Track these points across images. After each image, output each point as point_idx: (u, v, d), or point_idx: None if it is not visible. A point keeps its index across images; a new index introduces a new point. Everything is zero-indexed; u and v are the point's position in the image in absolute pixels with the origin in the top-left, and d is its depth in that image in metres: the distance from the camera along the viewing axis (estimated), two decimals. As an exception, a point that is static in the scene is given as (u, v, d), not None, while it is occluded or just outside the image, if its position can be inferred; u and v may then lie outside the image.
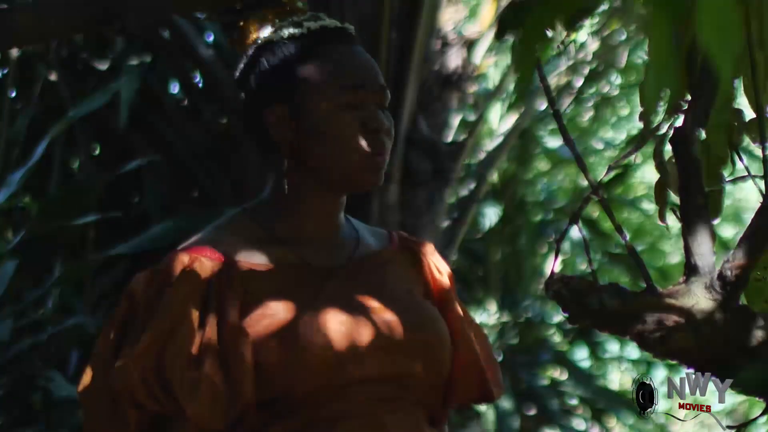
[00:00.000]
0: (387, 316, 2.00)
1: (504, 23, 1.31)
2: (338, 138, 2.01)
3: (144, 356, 1.91)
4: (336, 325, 1.97)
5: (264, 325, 1.96)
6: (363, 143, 2.01)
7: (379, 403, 1.98)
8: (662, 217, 1.69)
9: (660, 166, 1.68)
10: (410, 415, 2.00)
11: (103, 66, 4.67)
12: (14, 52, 4.28)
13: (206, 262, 1.98)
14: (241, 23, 2.08)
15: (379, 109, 2.05)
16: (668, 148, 1.65)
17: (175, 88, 4.85)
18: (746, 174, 1.66)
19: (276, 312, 1.97)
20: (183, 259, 1.98)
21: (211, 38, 4.75)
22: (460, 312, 2.11)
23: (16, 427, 4.06)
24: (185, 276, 1.97)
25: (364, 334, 1.97)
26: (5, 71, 4.50)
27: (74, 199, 4.21)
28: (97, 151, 4.75)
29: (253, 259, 2.03)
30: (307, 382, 1.94)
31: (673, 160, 1.65)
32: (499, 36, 1.39)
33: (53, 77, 4.53)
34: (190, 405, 1.89)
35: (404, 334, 1.99)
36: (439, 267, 2.14)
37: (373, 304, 2.02)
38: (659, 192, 1.68)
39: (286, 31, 2.05)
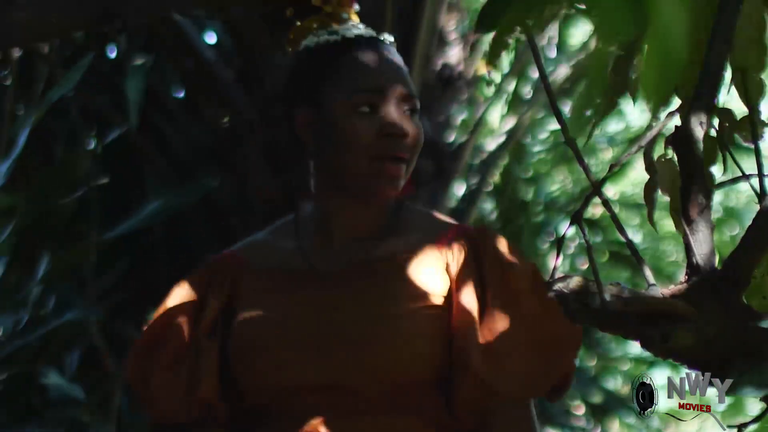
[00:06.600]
0: (338, 323, 1.97)
1: (484, 18, 1.33)
2: (350, 142, 1.98)
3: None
4: (292, 329, 1.97)
5: (236, 325, 2.01)
6: (375, 148, 1.98)
7: (328, 410, 1.94)
8: (651, 218, 1.69)
9: (649, 167, 1.68)
10: (373, 422, 1.95)
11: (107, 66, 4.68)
12: (15, 51, 4.27)
13: (219, 267, 2.07)
14: (291, 33, 2.12)
15: (410, 114, 2.03)
16: (658, 147, 1.65)
17: (177, 87, 4.85)
18: (741, 175, 1.65)
19: (251, 313, 2.01)
20: (201, 269, 2.10)
21: (213, 37, 4.74)
22: (500, 310, 1.96)
23: (13, 425, 4.05)
24: (182, 283, 2.07)
25: (309, 341, 1.96)
26: (6, 71, 4.49)
27: (60, 176, 4.15)
28: (99, 150, 4.74)
29: (259, 261, 2.06)
30: (252, 383, 1.98)
31: (662, 160, 1.65)
32: (479, 29, 1.41)
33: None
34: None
35: (340, 344, 1.95)
36: (500, 259, 2.00)
37: (338, 311, 1.98)
38: (648, 194, 1.68)
39: (323, 38, 2.07)
